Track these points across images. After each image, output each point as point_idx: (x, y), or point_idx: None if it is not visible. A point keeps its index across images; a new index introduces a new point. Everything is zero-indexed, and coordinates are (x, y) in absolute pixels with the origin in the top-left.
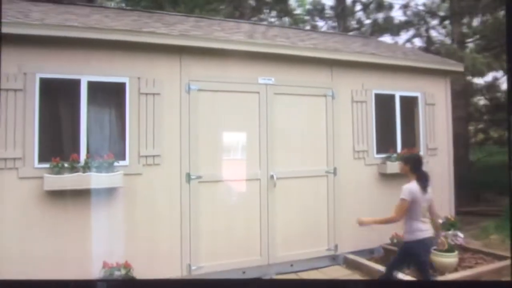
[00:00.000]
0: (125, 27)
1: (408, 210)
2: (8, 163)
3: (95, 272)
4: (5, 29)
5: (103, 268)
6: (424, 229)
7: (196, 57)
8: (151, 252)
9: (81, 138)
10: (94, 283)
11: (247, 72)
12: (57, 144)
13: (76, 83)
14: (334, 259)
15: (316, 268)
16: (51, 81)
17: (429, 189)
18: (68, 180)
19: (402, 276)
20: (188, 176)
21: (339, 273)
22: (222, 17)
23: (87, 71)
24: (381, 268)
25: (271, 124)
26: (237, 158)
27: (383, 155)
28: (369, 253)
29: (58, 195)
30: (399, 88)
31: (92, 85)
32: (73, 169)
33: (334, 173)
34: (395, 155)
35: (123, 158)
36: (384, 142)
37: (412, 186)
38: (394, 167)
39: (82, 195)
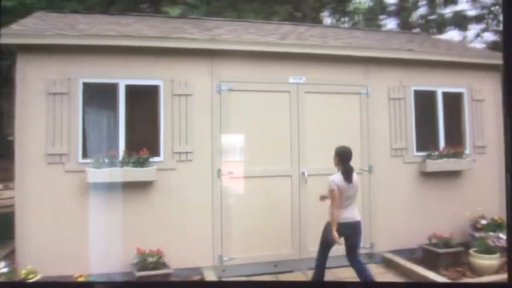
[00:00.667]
0: (160, 34)
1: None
2: (56, 158)
3: (129, 257)
4: (52, 40)
5: (137, 254)
6: (345, 216)
7: (227, 59)
8: (183, 242)
9: (119, 136)
10: (91, 285)
11: (278, 72)
12: (98, 141)
13: (115, 86)
14: (370, 257)
15: (350, 266)
16: (92, 85)
17: (354, 180)
18: (107, 174)
19: None
20: (219, 172)
21: (374, 271)
22: (281, 18)
23: (125, 75)
24: (419, 269)
25: (303, 122)
26: (267, 155)
27: (424, 153)
28: (409, 253)
29: (99, 188)
30: (441, 84)
31: (129, 88)
32: (112, 164)
33: (369, 171)
34: (436, 153)
35: (158, 154)
36: (425, 139)
37: (335, 177)
38: (435, 165)
39: (120, 187)
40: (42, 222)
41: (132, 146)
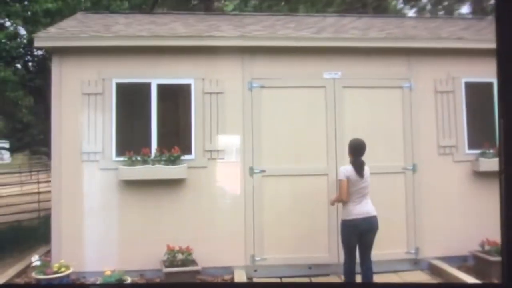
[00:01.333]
0: (194, 33)
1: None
2: (91, 156)
3: (160, 254)
4: (85, 42)
5: (166, 250)
6: (354, 211)
7: (258, 56)
8: (214, 241)
9: (152, 134)
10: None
11: (312, 67)
12: (131, 140)
13: (147, 86)
14: (415, 264)
15: (394, 271)
16: (125, 85)
17: (366, 175)
18: (139, 172)
19: None
20: (252, 170)
21: (417, 278)
22: (337, 9)
23: (157, 75)
24: (466, 278)
25: (340, 118)
26: (302, 153)
27: (477, 151)
28: (461, 261)
29: (131, 185)
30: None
31: (161, 87)
32: (144, 162)
33: (414, 169)
34: (492, 151)
35: (189, 153)
36: (480, 136)
37: (346, 167)
38: (489, 164)
39: (152, 185)
40: (76, 219)
41: (164, 144)
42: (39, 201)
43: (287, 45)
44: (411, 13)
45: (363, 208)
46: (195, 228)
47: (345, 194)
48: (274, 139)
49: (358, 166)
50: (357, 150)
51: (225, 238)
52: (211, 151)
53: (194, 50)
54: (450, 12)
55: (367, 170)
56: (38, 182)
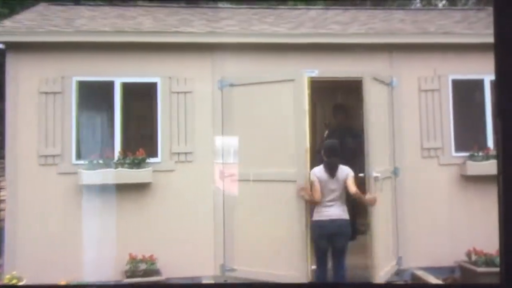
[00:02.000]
0: (162, 28)
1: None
2: (49, 159)
3: (123, 263)
4: (44, 38)
5: (128, 259)
6: (322, 213)
7: (229, 53)
8: (182, 249)
9: (115, 136)
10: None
11: (287, 65)
12: (93, 142)
13: (110, 85)
14: (397, 274)
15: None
16: (87, 83)
17: (340, 174)
18: (101, 176)
19: None
20: (221, 174)
21: None
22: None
23: (121, 73)
24: None
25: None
26: (276, 157)
27: (465, 154)
28: (448, 272)
29: (93, 190)
30: (491, 71)
31: (125, 86)
32: (107, 165)
33: (395, 173)
34: (481, 153)
35: (155, 155)
36: (468, 138)
37: (316, 169)
38: (478, 168)
39: (115, 190)
40: (33, 226)
41: (128, 146)
42: None
43: (257, 42)
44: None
45: (333, 210)
46: (160, 235)
47: (316, 194)
48: (246, 142)
49: (330, 167)
50: (329, 150)
51: (194, 246)
52: (178, 153)
53: (160, 47)
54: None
55: (343, 172)
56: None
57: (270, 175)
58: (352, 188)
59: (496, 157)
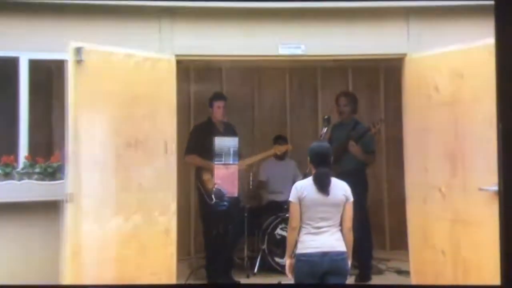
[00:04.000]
0: None
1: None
2: None
3: None
4: None
5: None
6: (310, 242)
7: (182, 22)
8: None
9: (20, 135)
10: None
11: (265, 37)
12: None
13: (12, 63)
14: None
15: None
16: None
17: (336, 191)
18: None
19: None
20: None
21: None
22: None
23: (29, 46)
24: None
25: None
26: None
27: None
28: None
29: None
30: None
31: (34, 65)
32: (7, 175)
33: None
34: None
35: None
36: None
37: (300, 183)
38: None
39: (19, 209)
40: None
41: (38, 150)
42: None
43: (221, 6)
44: None
45: (325, 240)
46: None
47: (294, 220)
48: None
49: (321, 180)
50: (317, 157)
51: None
52: None
53: (85, 13)
54: None
55: (338, 188)
56: None
57: None
58: (348, 222)
59: (498, 159)
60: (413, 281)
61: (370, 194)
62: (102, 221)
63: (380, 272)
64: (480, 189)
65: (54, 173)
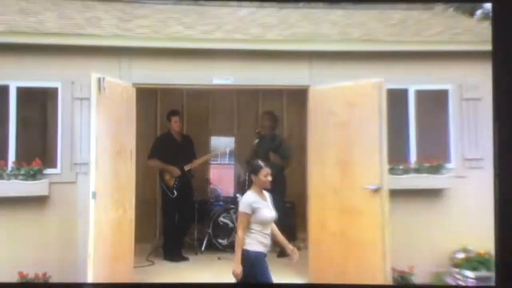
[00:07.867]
0: (68, 27)
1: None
2: None
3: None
4: None
5: (19, 278)
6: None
7: (138, 57)
8: (80, 266)
9: (9, 145)
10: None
11: (201, 71)
12: None
13: (4, 89)
14: None
15: None
16: None
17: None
18: None
19: None
20: None
21: None
22: None
23: (17, 76)
24: None
25: None
26: None
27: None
28: None
29: None
30: (415, 81)
31: (22, 91)
32: None
33: None
34: (401, 166)
35: (55, 166)
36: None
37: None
38: (398, 181)
39: (7, 203)
40: None
41: (25, 156)
42: None
43: (163, 46)
44: None
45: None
46: (58, 252)
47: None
48: None
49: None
50: (252, 169)
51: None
52: (81, 164)
53: (62, 49)
54: None
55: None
56: None
57: None
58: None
59: (493, 160)
60: (311, 253)
61: (295, 188)
62: (108, 214)
63: (299, 248)
64: (363, 188)
65: (35, 175)
